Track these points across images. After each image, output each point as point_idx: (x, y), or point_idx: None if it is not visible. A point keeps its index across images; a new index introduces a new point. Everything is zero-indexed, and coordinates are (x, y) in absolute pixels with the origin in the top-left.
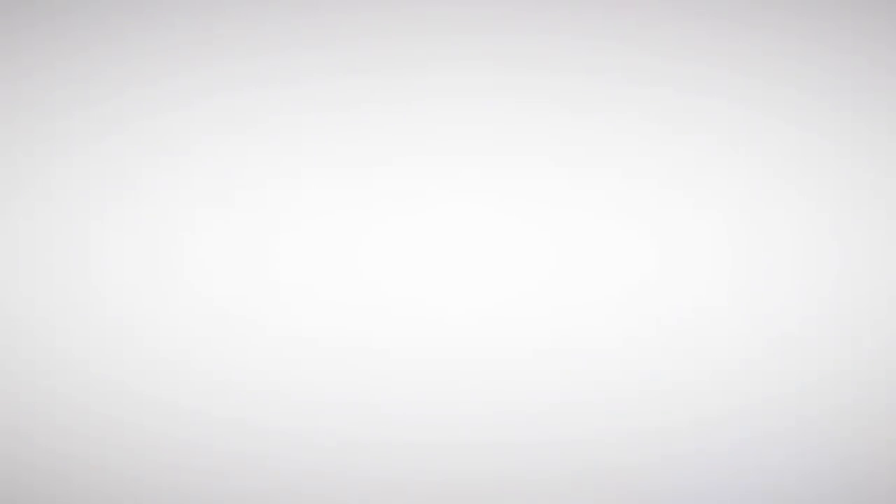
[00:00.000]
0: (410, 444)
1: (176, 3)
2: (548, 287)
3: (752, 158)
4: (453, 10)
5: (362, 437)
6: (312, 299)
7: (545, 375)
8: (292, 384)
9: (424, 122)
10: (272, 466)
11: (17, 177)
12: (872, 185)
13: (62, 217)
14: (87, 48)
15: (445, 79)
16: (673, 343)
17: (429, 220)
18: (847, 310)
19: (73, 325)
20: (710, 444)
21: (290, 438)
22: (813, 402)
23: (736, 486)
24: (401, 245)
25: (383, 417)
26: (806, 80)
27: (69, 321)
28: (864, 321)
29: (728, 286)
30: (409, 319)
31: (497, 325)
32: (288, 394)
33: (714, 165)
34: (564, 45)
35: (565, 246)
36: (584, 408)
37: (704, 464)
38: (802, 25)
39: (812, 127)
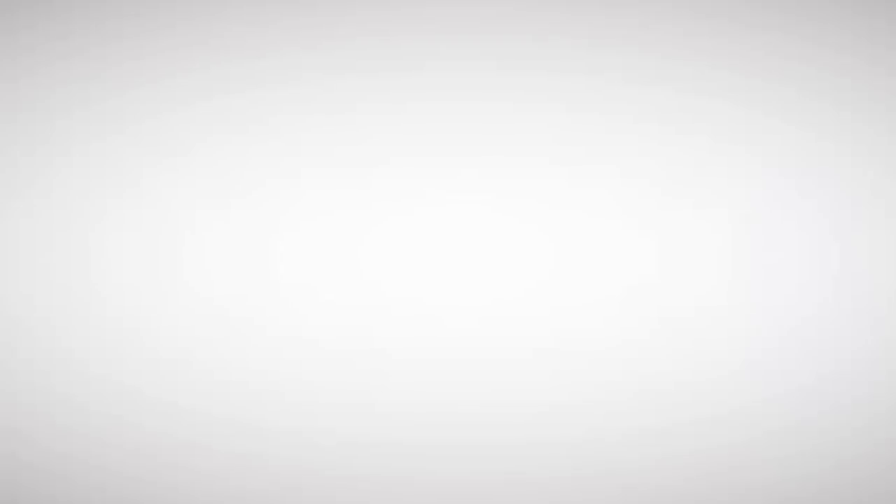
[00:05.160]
0: (410, 444)
1: (176, 3)
2: (548, 287)
3: (752, 158)
4: (453, 10)
5: (362, 437)
6: (313, 299)
7: (545, 375)
8: (292, 384)
9: (424, 122)
10: (272, 466)
11: (17, 177)
12: (872, 185)
13: (62, 217)
14: (87, 48)
15: (445, 79)
16: (673, 343)
17: (429, 220)
18: (847, 310)
19: (73, 325)
20: (710, 444)
21: (290, 438)
22: (813, 402)
23: (736, 486)
24: (401, 245)
25: (383, 417)
26: (806, 80)
27: (69, 321)
28: (864, 321)
29: (728, 286)
30: (409, 319)
31: (497, 325)
32: (288, 394)
33: (714, 165)
34: (564, 45)
35: (565, 246)
36: (584, 408)
37: (704, 464)
38: (802, 25)
39: (812, 127)
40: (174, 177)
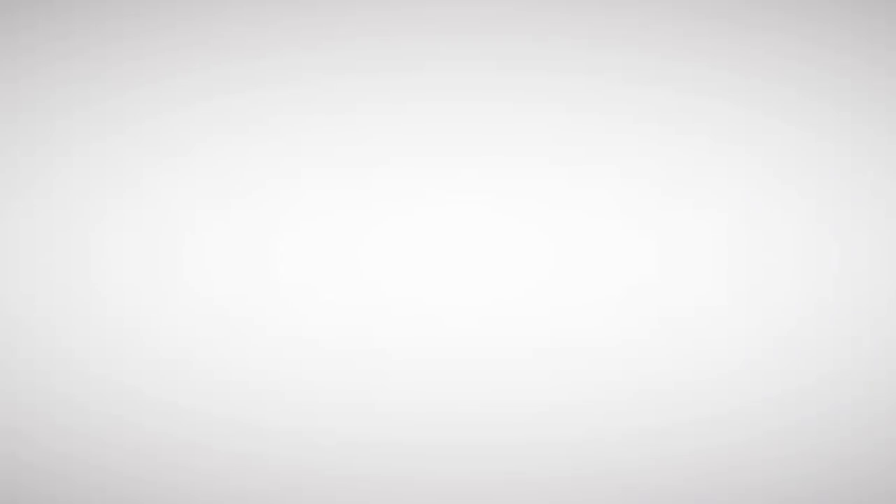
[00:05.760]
0: (410, 444)
1: (176, 3)
2: (548, 287)
3: (752, 158)
4: (453, 10)
5: (362, 437)
6: (313, 299)
7: (545, 375)
8: (292, 384)
9: (424, 122)
10: (272, 466)
11: (17, 177)
12: (872, 185)
13: (62, 217)
14: (87, 48)
15: (445, 79)
16: (673, 343)
17: (429, 220)
18: (847, 310)
19: (73, 325)
20: (710, 444)
21: (290, 438)
22: (813, 402)
23: (736, 486)
24: (401, 245)
25: (383, 417)
26: (806, 80)
27: (69, 321)
28: (864, 321)
29: (728, 286)
30: (409, 319)
31: (497, 325)
32: (288, 394)
33: (714, 165)
34: (564, 45)
35: (565, 246)
36: (584, 408)
37: (704, 464)
38: (802, 25)
39: (812, 127)
40: (174, 177)
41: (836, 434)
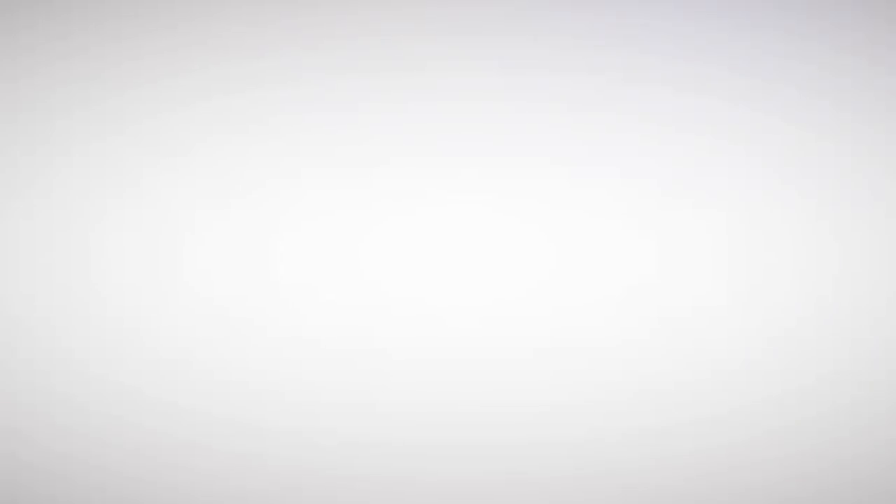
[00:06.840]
0: (410, 444)
1: (176, 3)
2: (548, 287)
3: (752, 158)
4: (453, 10)
5: (362, 437)
6: (313, 299)
7: (545, 375)
8: (292, 384)
9: (424, 122)
10: (272, 466)
11: (17, 177)
12: (872, 185)
13: (62, 217)
14: (87, 48)
15: (445, 79)
16: (673, 343)
17: (429, 220)
18: (847, 310)
19: (73, 325)
20: (710, 444)
21: (290, 438)
22: (813, 402)
23: (736, 486)
24: (401, 245)
25: (383, 417)
26: (806, 80)
27: (69, 321)
28: (864, 321)
29: (728, 286)
30: (409, 319)
31: (497, 325)
32: (288, 394)
33: (714, 165)
34: (564, 45)
35: (565, 246)
36: (584, 408)
37: (704, 464)
38: (802, 25)
39: (812, 127)
40: (174, 177)
41: (836, 434)
